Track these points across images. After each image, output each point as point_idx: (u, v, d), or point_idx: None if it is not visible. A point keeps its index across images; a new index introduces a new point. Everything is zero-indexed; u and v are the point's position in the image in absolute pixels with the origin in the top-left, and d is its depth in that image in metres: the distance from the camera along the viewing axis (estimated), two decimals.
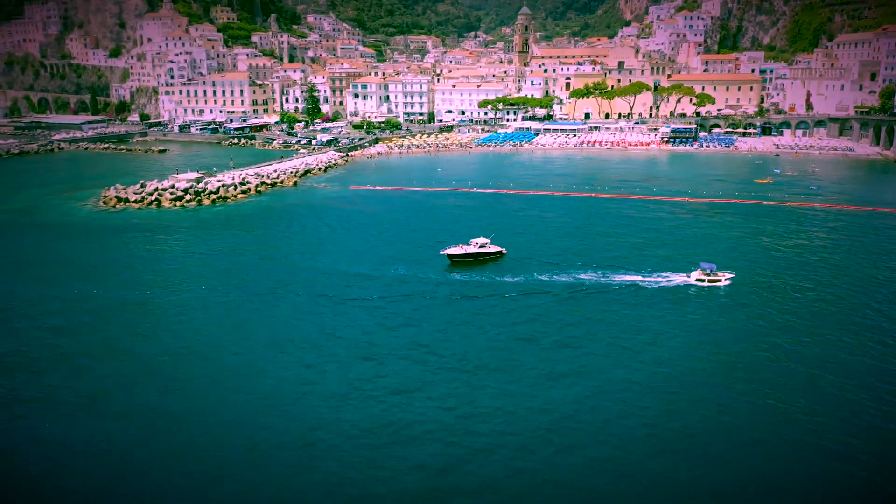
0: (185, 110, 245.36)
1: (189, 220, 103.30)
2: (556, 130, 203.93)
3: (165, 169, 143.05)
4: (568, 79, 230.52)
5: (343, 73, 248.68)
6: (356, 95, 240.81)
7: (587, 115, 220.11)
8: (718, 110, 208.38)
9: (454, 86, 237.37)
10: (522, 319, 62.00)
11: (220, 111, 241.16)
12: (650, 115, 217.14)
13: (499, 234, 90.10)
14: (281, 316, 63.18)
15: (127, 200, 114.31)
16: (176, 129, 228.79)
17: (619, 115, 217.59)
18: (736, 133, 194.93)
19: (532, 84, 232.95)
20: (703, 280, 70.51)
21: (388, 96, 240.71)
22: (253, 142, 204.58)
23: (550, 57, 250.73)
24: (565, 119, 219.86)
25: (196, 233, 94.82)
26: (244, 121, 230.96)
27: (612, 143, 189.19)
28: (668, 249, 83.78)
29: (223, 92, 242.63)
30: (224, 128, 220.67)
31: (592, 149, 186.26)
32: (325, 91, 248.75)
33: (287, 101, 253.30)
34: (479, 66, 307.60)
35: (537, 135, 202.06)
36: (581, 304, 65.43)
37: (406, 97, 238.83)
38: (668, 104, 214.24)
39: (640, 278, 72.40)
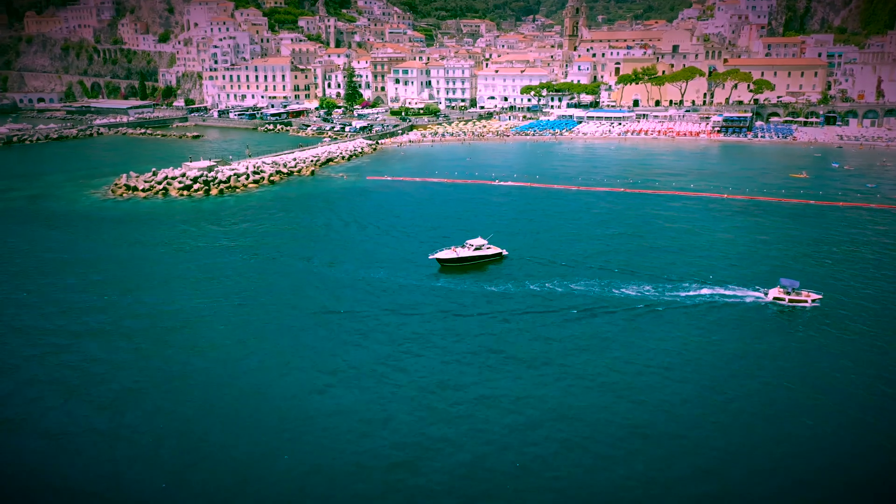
0: (228, 95, 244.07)
1: (189, 212, 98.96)
2: (600, 118, 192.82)
3: (192, 155, 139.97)
4: (617, 63, 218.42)
5: (385, 58, 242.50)
6: (397, 81, 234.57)
7: (636, 103, 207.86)
8: (778, 98, 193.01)
9: (497, 71, 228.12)
10: (536, 346, 54.36)
11: (262, 96, 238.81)
12: (703, 102, 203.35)
13: (511, 232, 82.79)
14: (245, 329, 57.35)
15: (135, 189, 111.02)
16: (215, 114, 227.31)
17: (671, 102, 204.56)
18: (796, 122, 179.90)
19: (579, 69, 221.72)
20: (782, 299, 59.51)
21: (429, 82, 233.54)
22: (288, 128, 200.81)
23: (600, 41, 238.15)
24: (613, 106, 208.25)
25: (191, 225, 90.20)
26: (285, 106, 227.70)
27: (659, 132, 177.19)
28: (713, 257, 74.10)
29: (265, 77, 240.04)
30: (261, 113, 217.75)
31: (637, 138, 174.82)
32: (366, 76, 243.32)
33: (329, 86, 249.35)
34: (530, 51, 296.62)
35: (580, 123, 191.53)
36: (622, 326, 56.79)
37: (448, 83, 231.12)
38: (724, 91, 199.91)
39: (694, 292, 62.71)
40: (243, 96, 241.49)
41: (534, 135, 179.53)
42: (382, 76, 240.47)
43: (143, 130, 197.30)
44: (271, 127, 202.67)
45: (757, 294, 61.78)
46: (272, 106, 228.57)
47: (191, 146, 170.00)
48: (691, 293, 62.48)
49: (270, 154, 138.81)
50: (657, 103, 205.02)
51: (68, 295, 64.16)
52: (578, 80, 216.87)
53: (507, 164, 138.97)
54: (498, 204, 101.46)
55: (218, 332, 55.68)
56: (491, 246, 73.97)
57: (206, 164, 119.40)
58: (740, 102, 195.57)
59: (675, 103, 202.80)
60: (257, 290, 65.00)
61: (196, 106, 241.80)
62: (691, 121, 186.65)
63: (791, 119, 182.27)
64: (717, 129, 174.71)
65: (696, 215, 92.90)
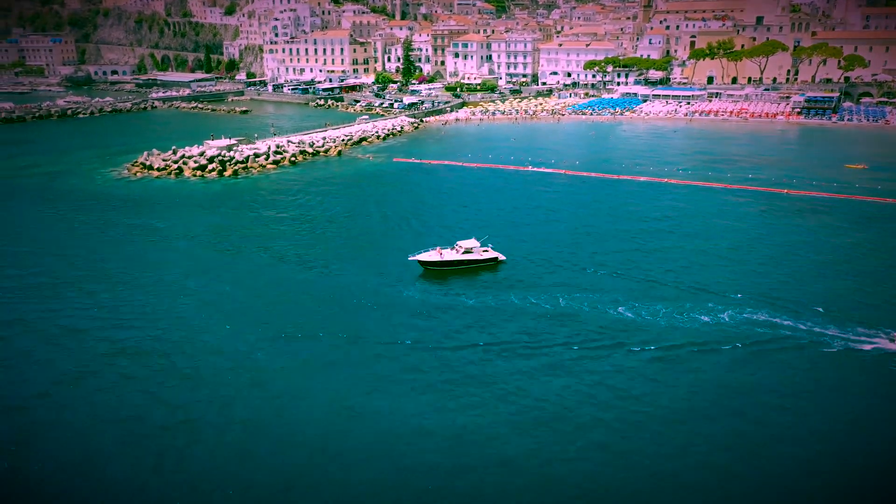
0: (287, 69, 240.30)
1: (192, 195, 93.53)
2: (666, 97, 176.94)
3: (234, 131, 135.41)
4: (692, 37, 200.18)
5: (445, 31, 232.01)
6: (456, 55, 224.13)
7: (710, 80, 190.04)
8: (873, 75, 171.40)
9: (560, 45, 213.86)
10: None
11: (321, 70, 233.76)
12: (787, 80, 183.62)
13: (525, 230, 73.01)
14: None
15: (151, 168, 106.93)
16: (270, 88, 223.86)
17: (749, 79, 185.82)
18: (891, 104, 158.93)
19: (650, 43, 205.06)
20: None
21: (489, 56, 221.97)
22: (339, 103, 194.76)
23: (676, 11, 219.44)
24: (684, 83, 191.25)
25: (187, 210, 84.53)
26: (342, 80, 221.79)
27: (731, 112, 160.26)
28: (786, 273, 61.10)
29: (324, 50, 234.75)
30: (314, 88, 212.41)
31: (705, 119, 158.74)
32: (426, 50, 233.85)
33: (389, 60, 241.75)
34: (605, 23, 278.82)
35: (644, 101, 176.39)
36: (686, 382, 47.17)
37: (509, 57, 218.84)
38: (810, 68, 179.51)
39: (788, 329, 49.81)
40: (301, 70, 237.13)
41: (591, 114, 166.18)
42: (442, 50, 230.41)
43: (194, 105, 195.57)
44: (322, 102, 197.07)
45: (881, 340, 48.26)
46: (330, 80, 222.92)
47: (235, 121, 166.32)
48: (781, 328, 49.88)
49: (301, 132, 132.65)
50: (734, 81, 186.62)
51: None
52: (648, 55, 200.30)
53: (553, 146, 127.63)
54: (525, 194, 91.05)
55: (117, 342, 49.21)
56: (488, 249, 64.49)
57: (226, 142, 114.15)
58: (828, 80, 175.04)
59: (755, 81, 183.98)
60: (193, 293, 58.24)
61: (255, 80, 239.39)
62: (770, 101, 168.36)
63: (886, 100, 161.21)
64: (798, 110, 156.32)
65: (766, 218, 79.70)
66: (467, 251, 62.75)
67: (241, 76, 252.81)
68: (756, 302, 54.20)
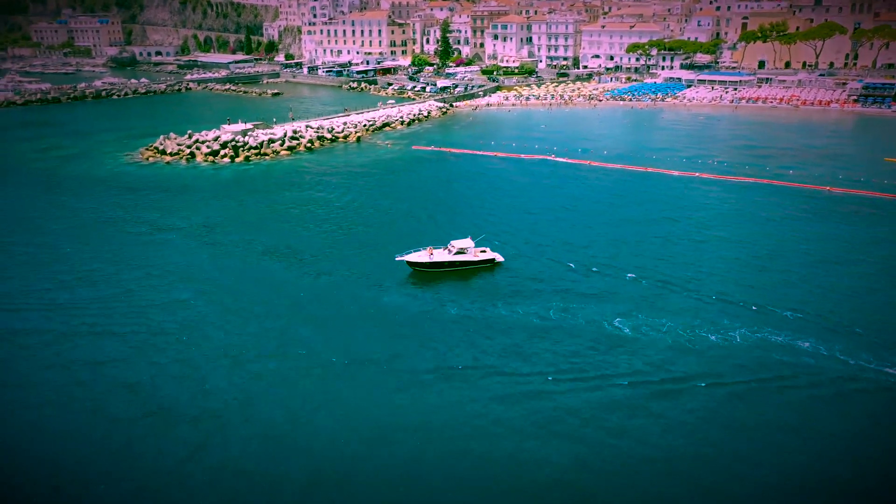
0: (325, 51, 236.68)
1: (199, 181, 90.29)
2: (712, 82, 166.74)
3: (261, 114, 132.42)
4: (745, 18, 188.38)
5: (485, 13, 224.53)
6: (495, 37, 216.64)
7: (761, 64, 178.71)
8: None
9: (603, 27, 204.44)
10: None
11: (358, 52, 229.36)
12: (845, 65, 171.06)
13: (535, 227, 67.30)
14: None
15: (164, 152, 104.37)
16: (305, 70, 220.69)
17: (803, 64, 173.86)
18: None
19: (699, 25, 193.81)
20: None
21: (529, 38, 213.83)
22: (372, 86, 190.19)
23: None
24: (734, 68, 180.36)
25: (185, 198, 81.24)
26: (379, 62, 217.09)
27: (781, 99, 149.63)
28: (819, 292, 53.56)
29: (361, 32, 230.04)
30: (348, 70, 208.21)
31: (753, 106, 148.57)
32: (465, 32, 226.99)
33: (427, 41, 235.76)
34: (654, 4, 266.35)
35: (688, 87, 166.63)
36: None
37: (550, 39, 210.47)
38: (871, 52, 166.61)
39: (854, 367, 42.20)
40: (339, 52, 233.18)
41: (630, 100, 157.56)
42: (482, 31, 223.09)
43: (227, 87, 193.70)
44: (355, 85, 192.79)
45: None
46: (367, 62, 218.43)
47: (265, 104, 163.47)
48: (804, 354, 43.09)
49: (322, 117, 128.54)
50: (787, 65, 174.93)
51: None
52: (696, 38, 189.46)
53: (584, 134, 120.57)
54: (543, 187, 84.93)
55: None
56: (485, 250, 59.06)
57: (241, 127, 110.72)
58: (890, 66, 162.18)
59: (809, 66, 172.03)
60: (165, 290, 54.46)
61: (289, 62, 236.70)
62: (824, 87, 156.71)
63: None
64: (854, 97, 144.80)
65: (802, 220, 72.11)
66: (460, 251, 57.50)
67: (280, 58, 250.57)
68: (777, 320, 47.59)
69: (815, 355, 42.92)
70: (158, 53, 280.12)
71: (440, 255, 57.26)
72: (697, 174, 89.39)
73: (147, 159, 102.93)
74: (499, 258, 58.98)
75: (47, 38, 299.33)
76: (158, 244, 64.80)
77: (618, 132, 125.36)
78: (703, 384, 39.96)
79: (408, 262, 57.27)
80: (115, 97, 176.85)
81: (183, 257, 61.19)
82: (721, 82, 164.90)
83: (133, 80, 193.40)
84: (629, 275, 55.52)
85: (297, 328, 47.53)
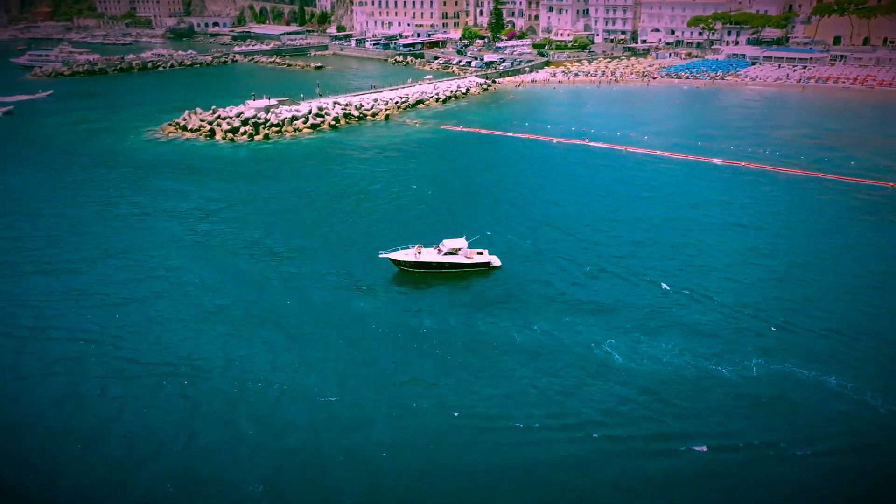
0: (376, 23, 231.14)
1: (212, 159, 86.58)
2: (779, 59, 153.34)
3: (300, 87, 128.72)
4: None
5: None
6: (550, 9, 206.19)
7: (836, 40, 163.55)
8: None
9: None
10: None
11: (409, 24, 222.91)
12: None
13: (548, 224, 60.61)
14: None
15: (185, 128, 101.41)
16: (353, 43, 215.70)
17: (885, 40, 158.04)
18: None
19: None
20: None
21: (586, 10, 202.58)
22: (418, 60, 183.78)
23: None
24: (807, 43, 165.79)
25: (192, 178, 77.52)
26: (430, 35, 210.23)
27: (855, 79, 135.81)
28: (864, 317, 44.59)
29: (412, 3, 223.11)
30: (395, 44, 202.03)
31: (823, 87, 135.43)
32: (519, 4, 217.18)
33: (481, 13, 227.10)
34: None
35: (753, 64, 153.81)
36: None
37: (607, 12, 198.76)
38: None
39: None
40: (390, 24, 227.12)
41: (687, 77, 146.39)
42: (537, 3, 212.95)
43: (273, 59, 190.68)
44: (401, 59, 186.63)
45: None
46: (417, 35, 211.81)
47: (308, 77, 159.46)
48: (835, 398, 35.54)
49: (353, 93, 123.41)
50: (865, 42, 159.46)
51: None
52: (765, 11, 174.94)
53: (630, 115, 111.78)
54: (571, 177, 77.62)
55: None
56: (483, 252, 52.84)
57: (265, 103, 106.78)
58: None
59: (891, 42, 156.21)
60: (141, 280, 50.49)
61: (339, 34, 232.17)
62: None
63: None
64: None
65: (860, 223, 62.95)
66: (451, 252, 51.56)
67: (332, 30, 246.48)
68: (809, 348, 40.01)
69: (857, 403, 35.36)
70: (216, 24, 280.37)
71: (428, 255, 51.49)
72: (745, 164, 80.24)
73: (167, 135, 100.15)
74: (495, 262, 52.71)
75: (111, 9, 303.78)
76: (137, 229, 61.16)
77: (667, 114, 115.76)
78: (702, 447, 32.83)
79: (392, 261, 51.78)
80: (160, 69, 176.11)
81: (155, 248, 57.30)
82: (789, 60, 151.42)
83: (180, 52, 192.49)
84: (642, 282, 48.56)
85: (246, 336, 42.74)
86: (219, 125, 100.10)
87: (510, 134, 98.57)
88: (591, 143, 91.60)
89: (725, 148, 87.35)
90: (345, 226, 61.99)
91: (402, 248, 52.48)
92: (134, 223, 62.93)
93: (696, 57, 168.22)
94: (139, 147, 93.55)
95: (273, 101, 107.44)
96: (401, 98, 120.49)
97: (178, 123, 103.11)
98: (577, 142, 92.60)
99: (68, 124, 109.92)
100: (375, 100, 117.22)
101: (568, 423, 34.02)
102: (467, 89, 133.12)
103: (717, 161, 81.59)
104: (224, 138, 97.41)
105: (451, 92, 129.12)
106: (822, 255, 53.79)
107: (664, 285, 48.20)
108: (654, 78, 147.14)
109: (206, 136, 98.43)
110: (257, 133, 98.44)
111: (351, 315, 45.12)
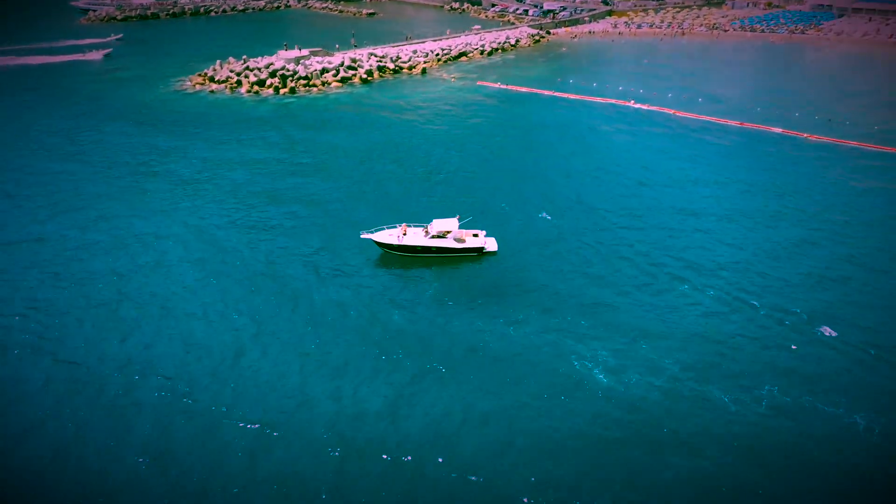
0: None
1: (230, 114, 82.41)
2: (871, 11, 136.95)
3: (344, 37, 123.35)
4: None
5: None
6: None
7: None
8: None
9: None
10: None
11: None
12: None
13: (564, 203, 53.96)
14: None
15: (213, 80, 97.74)
16: None
17: None
18: None
19: None
20: None
21: None
22: (473, 7, 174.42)
23: None
24: None
25: (200, 134, 73.86)
26: None
27: None
28: None
29: None
30: None
31: None
32: None
33: None
34: None
35: (840, 16, 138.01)
36: None
37: None
38: None
39: None
40: None
41: (762, 30, 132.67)
42: None
43: (326, 5, 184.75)
44: (456, 6, 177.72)
45: None
46: None
47: (358, 25, 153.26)
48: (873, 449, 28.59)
49: (393, 44, 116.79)
50: None
51: None
52: None
53: (688, 73, 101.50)
54: (603, 143, 69.97)
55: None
56: (478, 233, 46.84)
57: (297, 54, 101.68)
58: None
59: None
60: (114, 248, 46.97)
61: None
62: None
63: None
64: None
65: None
66: (439, 235, 45.86)
67: None
68: (836, 378, 32.87)
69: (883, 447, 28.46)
70: None
71: (414, 237, 45.95)
72: (806, 135, 70.44)
73: (194, 87, 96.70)
74: (490, 246, 46.67)
75: None
76: (127, 189, 57.79)
77: (732, 72, 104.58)
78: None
79: (376, 243, 46.58)
80: (212, 14, 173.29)
81: (136, 214, 53.73)
82: (882, 12, 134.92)
83: None
84: (657, 277, 41.78)
85: (182, 330, 38.58)
86: (246, 77, 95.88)
87: (550, 93, 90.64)
88: (637, 105, 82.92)
89: (789, 115, 77.23)
90: (349, 195, 56.78)
91: (387, 227, 47.14)
92: (128, 183, 59.56)
93: (776, 7, 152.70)
94: (162, 99, 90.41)
95: (305, 52, 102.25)
96: (442, 50, 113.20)
97: (206, 74, 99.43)
98: (623, 103, 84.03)
99: (101, 72, 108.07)
100: (415, 51, 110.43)
101: (499, 471, 28.48)
102: (517, 41, 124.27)
103: (777, 130, 71.97)
104: (249, 91, 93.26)
105: (499, 44, 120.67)
106: (877, 253, 45.32)
107: (685, 286, 41.27)
108: (726, 31, 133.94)
109: (232, 88, 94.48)
110: (283, 86, 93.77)
111: (313, 306, 40.22)
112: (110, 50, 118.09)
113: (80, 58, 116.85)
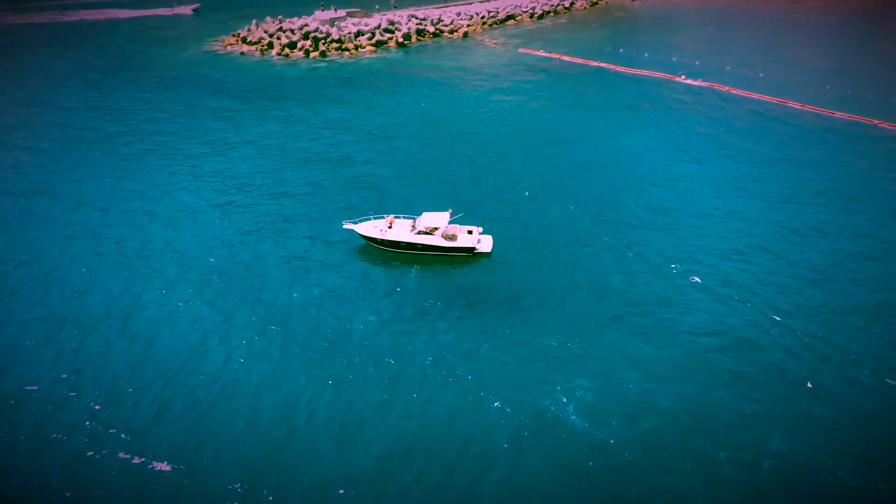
0: None
1: (251, 79, 78.89)
2: None
3: (324, 3, 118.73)
4: None
5: None
6: None
7: None
8: None
9: None
10: None
11: None
12: None
13: (590, 195, 48.18)
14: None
15: (245, 41, 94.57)
16: None
17: None
18: None
19: None
20: None
21: None
22: None
23: None
24: None
25: (217, 100, 70.97)
26: None
27: None
28: None
29: None
30: None
31: None
32: None
33: None
34: None
35: None
36: None
37: None
38: None
39: None
40: None
41: None
42: None
43: None
44: None
45: None
46: None
47: None
48: None
49: (437, 5, 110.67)
50: None
51: None
52: None
53: (761, 46, 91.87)
54: (639, 124, 62.90)
55: None
56: (473, 230, 41.77)
57: (333, 14, 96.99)
58: None
59: None
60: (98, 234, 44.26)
61: None
62: None
63: None
64: None
65: None
66: (425, 232, 41.17)
67: None
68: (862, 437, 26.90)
69: None
70: None
71: (399, 231, 41.35)
72: (876, 122, 61.69)
73: (226, 48, 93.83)
74: (484, 246, 41.28)
75: None
76: (126, 155, 55.20)
77: (805, 44, 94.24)
78: None
79: (360, 235, 42.36)
80: None
81: (133, 182, 50.96)
82: None
83: None
84: (684, 295, 36.05)
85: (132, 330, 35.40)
86: (278, 39, 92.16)
87: (593, 63, 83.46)
88: (687, 80, 75.13)
89: (862, 97, 68.14)
90: (351, 179, 52.55)
91: (373, 217, 42.85)
92: (130, 149, 57.01)
93: None
94: (191, 61, 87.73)
95: (341, 13, 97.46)
96: (488, 12, 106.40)
97: (239, 35, 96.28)
98: (672, 77, 76.36)
99: (140, 30, 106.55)
100: (458, 13, 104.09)
101: None
102: (571, 3, 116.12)
103: (842, 115, 63.36)
104: (280, 53, 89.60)
105: (552, 6, 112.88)
106: None
107: (691, 298, 35.40)
108: None
109: (263, 50, 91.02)
110: (315, 49, 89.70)
111: (275, 306, 36.39)
112: (199, 5, 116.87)
113: (168, 12, 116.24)
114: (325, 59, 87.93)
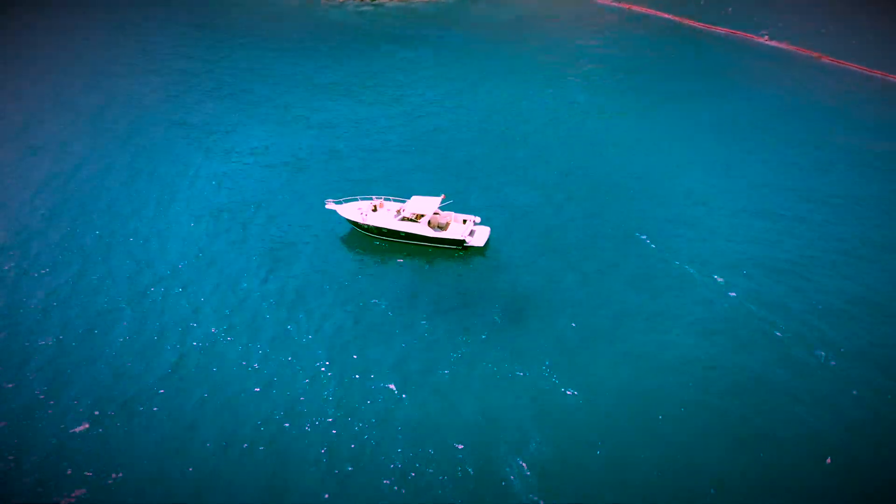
0: None
1: (301, 26, 74.73)
2: None
3: None
4: None
5: None
6: None
7: None
8: None
9: None
10: None
11: None
12: None
13: (622, 182, 42.46)
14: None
15: None
16: None
17: None
18: None
19: None
20: None
21: None
22: None
23: None
24: None
25: (271, 54, 66.99)
26: None
27: None
28: None
29: None
30: None
31: None
32: None
33: None
34: None
35: None
36: None
37: None
38: None
39: None
40: None
41: None
42: None
43: None
44: None
45: None
46: None
47: None
48: None
49: None
50: None
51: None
52: None
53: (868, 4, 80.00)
54: (697, 96, 55.28)
55: None
56: (468, 220, 36.70)
57: None
58: None
59: None
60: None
61: None
62: None
63: None
64: None
65: None
66: (410, 219, 36.47)
67: None
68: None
69: None
70: None
71: (382, 216, 36.83)
72: None
73: None
74: (476, 240, 35.91)
75: None
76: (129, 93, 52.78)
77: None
78: None
79: (342, 216, 38.31)
80: None
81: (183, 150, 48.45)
82: None
83: None
84: (712, 311, 30.43)
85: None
86: None
87: (670, 16, 74.48)
88: (769, 41, 65.60)
89: None
90: (374, 151, 47.91)
91: (360, 198, 38.63)
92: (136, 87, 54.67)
93: None
94: (260, 11, 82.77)
95: None
96: None
97: None
98: (752, 37, 66.92)
99: None
100: None
101: None
102: None
103: None
104: None
105: None
106: None
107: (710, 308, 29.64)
108: None
109: None
110: None
111: (245, 296, 32.68)
112: None
113: None
114: (375, 1, 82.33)
